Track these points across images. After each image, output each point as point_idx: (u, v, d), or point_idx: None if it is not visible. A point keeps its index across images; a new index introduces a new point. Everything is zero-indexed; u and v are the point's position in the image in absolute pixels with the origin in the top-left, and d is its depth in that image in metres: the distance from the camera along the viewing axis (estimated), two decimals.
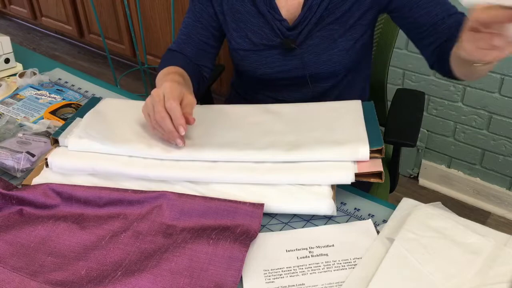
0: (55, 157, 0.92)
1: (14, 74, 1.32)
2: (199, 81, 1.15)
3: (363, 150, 0.85)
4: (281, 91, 1.16)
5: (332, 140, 0.89)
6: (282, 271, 0.75)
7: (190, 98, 0.91)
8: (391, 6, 1.04)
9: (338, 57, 1.07)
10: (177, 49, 1.15)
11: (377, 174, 0.84)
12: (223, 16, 1.11)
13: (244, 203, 0.83)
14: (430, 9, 1.00)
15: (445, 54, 0.95)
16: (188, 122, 0.87)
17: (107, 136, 0.94)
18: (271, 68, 1.10)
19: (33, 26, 3.67)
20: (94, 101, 1.07)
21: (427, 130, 2.03)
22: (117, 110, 1.04)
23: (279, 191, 0.85)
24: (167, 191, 0.86)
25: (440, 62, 1.01)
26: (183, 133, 0.87)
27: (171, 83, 0.90)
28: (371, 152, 0.85)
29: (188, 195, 0.85)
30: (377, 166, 0.84)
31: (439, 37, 1.00)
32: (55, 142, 0.95)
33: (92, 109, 1.03)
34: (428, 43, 1.02)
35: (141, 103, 0.94)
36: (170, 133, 0.87)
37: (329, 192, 0.84)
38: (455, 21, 0.98)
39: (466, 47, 0.74)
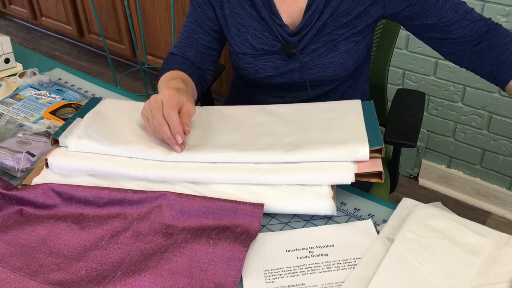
0: (55, 157, 0.92)
1: (14, 74, 1.32)
2: (202, 84, 1.16)
3: (363, 150, 0.85)
4: (282, 93, 1.15)
5: (332, 140, 0.89)
6: (282, 271, 0.75)
7: (189, 106, 0.91)
8: (401, 14, 1.03)
9: (340, 59, 1.06)
10: (179, 54, 1.14)
11: (377, 174, 0.84)
12: (224, 20, 1.10)
13: (244, 203, 0.83)
14: (441, 12, 1.00)
15: (485, 65, 1.01)
16: (183, 132, 0.87)
17: (107, 136, 0.94)
18: (272, 73, 1.10)
19: (33, 26, 3.67)
20: (94, 101, 1.07)
21: (427, 130, 2.03)
22: (118, 110, 1.04)
23: (279, 191, 0.85)
24: (167, 191, 0.86)
25: (484, 76, 1.04)
26: (180, 141, 0.87)
27: (170, 91, 0.89)
28: (371, 151, 0.85)
29: (188, 195, 0.85)
30: (377, 166, 0.84)
31: (460, 41, 1.01)
32: (55, 142, 0.95)
33: (93, 110, 1.03)
34: (450, 48, 1.04)
35: (141, 104, 0.94)
36: (168, 139, 0.88)
37: (329, 192, 0.84)
38: (480, 25, 1.00)
39: None
